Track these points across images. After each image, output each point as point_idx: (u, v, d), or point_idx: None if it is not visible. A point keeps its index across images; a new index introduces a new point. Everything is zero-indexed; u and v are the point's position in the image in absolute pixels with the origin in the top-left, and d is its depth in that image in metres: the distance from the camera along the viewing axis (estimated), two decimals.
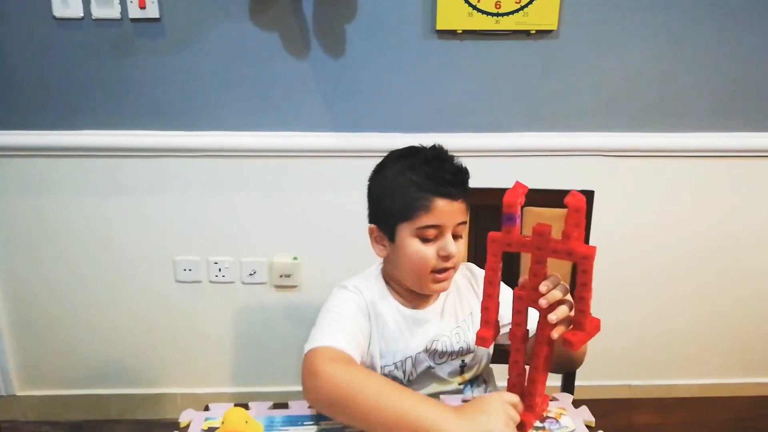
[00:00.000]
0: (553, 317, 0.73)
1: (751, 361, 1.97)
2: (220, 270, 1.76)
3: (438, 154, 0.96)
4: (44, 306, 1.79)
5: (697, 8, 1.58)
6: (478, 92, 1.63)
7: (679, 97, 1.67)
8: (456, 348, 1.02)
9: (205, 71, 1.59)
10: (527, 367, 0.81)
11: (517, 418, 0.77)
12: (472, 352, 1.04)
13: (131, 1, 1.50)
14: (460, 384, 1.04)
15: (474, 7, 1.53)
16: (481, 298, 0.79)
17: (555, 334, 0.74)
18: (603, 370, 1.92)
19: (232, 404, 0.90)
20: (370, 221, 1.01)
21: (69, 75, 1.57)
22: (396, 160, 0.97)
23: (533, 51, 1.60)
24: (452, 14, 1.54)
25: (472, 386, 1.06)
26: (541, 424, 0.88)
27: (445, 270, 0.94)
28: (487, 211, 1.09)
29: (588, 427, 0.89)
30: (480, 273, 1.08)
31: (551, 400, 0.93)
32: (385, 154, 1.01)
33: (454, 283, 1.04)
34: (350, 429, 0.87)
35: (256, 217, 1.72)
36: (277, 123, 1.64)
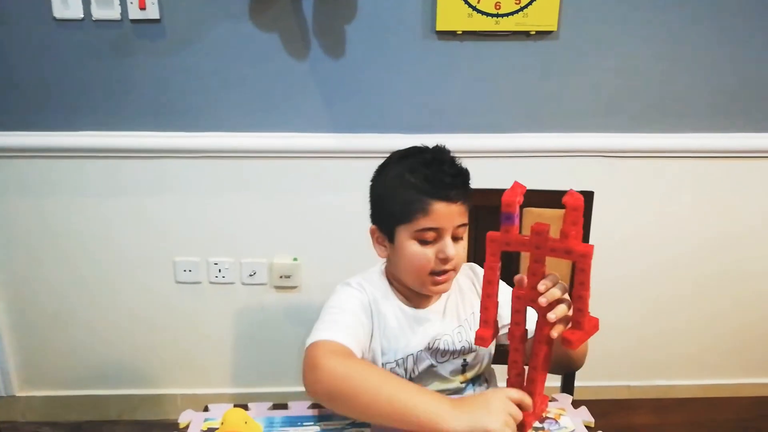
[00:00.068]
0: (551, 316, 0.73)
1: (751, 361, 1.97)
2: (220, 271, 1.76)
3: (438, 155, 0.96)
4: (44, 306, 1.79)
5: (697, 8, 1.59)
6: (478, 93, 1.63)
7: (679, 97, 1.67)
8: (458, 347, 1.02)
9: (205, 72, 1.59)
10: (526, 367, 0.81)
11: (519, 416, 0.76)
12: (474, 351, 1.04)
13: (131, 2, 1.50)
14: (461, 383, 1.04)
15: (474, 8, 1.53)
16: None
17: (554, 333, 0.74)
18: (602, 370, 1.92)
19: (232, 405, 0.90)
20: (372, 222, 1.01)
21: (69, 76, 1.58)
22: (397, 161, 0.97)
23: (533, 52, 1.60)
24: (452, 15, 1.54)
25: (473, 385, 1.06)
26: (540, 425, 0.88)
27: (444, 272, 0.94)
28: (487, 211, 1.09)
29: (587, 427, 0.89)
30: (482, 273, 1.08)
31: (550, 401, 0.93)
32: (385, 155, 1.01)
33: (456, 283, 1.04)
34: (350, 429, 0.87)
35: (256, 218, 1.72)
36: (277, 124, 1.64)
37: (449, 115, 1.65)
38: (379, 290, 1.01)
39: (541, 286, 0.74)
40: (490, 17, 1.54)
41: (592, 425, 0.90)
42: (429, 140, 1.01)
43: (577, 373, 1.21)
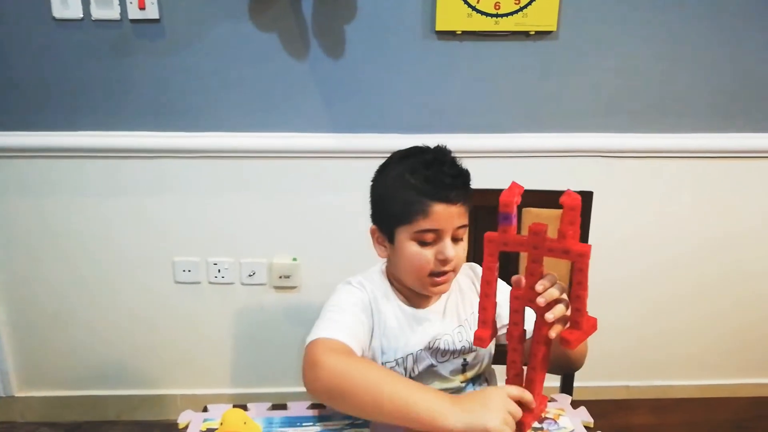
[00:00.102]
0: (549, 316, 0.73)
1: (750, 362, 1.97)
2: (219, 271, 1.76)
3: (438, 156, 0.96)
4: (44, 306, 1.79)
5: (697, 8, 1.59)
6: (478, 93, 1.63)
7: (679, 97, 1.67)
8: (458, 347, 1.02)
9: (205, 72, 1.59)
10: (525, 368, 0.81)
11: (519, 414, 0.76)
12: (474, 351, 1.04)
13: (131, 2, 1.50)
14: (462, 382, 1.04)
15: (473, 8, 1.53)
16: None
17: (552, 333, 0.74)
18: (601, 370, 1.92)
19: (231, 405, 0.90)
20: (373, 222, 1.01)
21: (69, 76, 1.58)
22: (398, 162, 0.97)
23: (532, 52, 1.60)
24: (452, 15, 1.54)
25: (474, 385, 1.06)
26: (539, 425, 0.88)
27: (443, 273, 0.94)
28: (486, 212, 1.09)
29: (586, 427, 0.89)
30: None
31: (549, 401, 0.93)
32: (385, 155, 1.01)
33: (456, 282, 1.04)
34: (349, 430, 0.87)
35: (255, 218, 1.72)
36: (277, 124, 1.64)
37: (449, 115, 1.65)
38: (380, 289, 1.01)
39: (539, 287, 0.74)
40: (489, 17, 1.54)
41: (591, 425, 0.90)
42: (428, 140, 1.01)
43: (576, 374, 1.21)
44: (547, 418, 0.90)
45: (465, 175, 0.96)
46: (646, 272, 1.84)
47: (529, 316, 0.77)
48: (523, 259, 1.11)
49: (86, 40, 1.54)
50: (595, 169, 1.71)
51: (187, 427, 0.88)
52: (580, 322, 0.72)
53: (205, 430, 0.87)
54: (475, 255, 1.24)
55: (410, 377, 1.01)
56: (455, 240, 0.94)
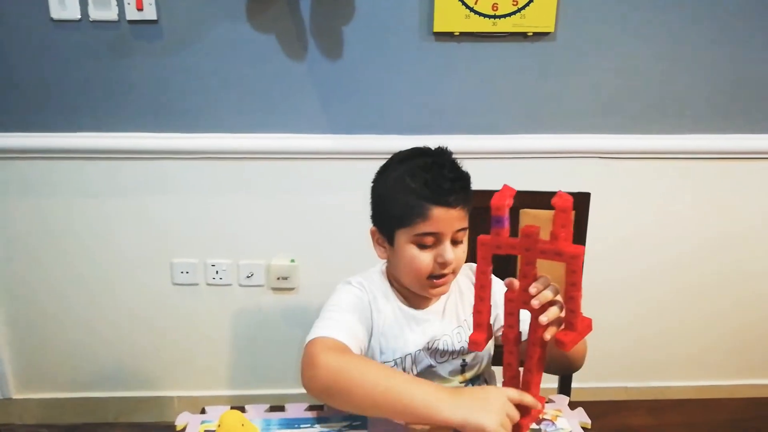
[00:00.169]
0: (543, 318, 0.73)
1: (748, 362, 1.97)
2: (217, 272, 1.75)
3: (439, 159, 0.95)
4: (43, 307, 1.78)
5: (697, 8, 1.59)
6: (476, 94, 1.63)
7: (678, 97, 1.67)
8: (457, 347, 1.02)
9: (203, 73, 1.59)
10: (521, 369, 0.81)
11: (516, 418, 0.76)
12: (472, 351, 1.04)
13: (128, 3, 1.50)
14: (461, 383, 1.04)
15: (471, 9, 1.53)
16: None
17: (547, 335, 0.74)
18: (600, 371, 1.92)
19: (229, 407, 0.90)
20: (373, 223, 1.01)
21: (68, 77, 1.58)
22: (398, 164, 0.97)
23: (530, 53, 1.60)
24: (449, 16, 1.54)
25: (473, 385, 1.06)
26: (537, 426, 0.88)
27: (442, 276, 0.94)
28: (485, 212, 1.09)
29: (584, 428, 0.89)
30: None
31: (547, 402, 0.93)
32: (383, 156, 1.01)
33: (455, 283, 1.04)
34: (347, 431, 0.87)
35: (253, 220, 1.72)
36: (275, 125, 1.64)
37: (447, 116, 1.65)
38: (379, 290, 1.01)
39: (532, 289, 0.74)
40: (487, 18, 1.54)
41: (589, 426, 0.90)
42: (427, 141, 1.01)
43: (574, 374, 1.20)
44: (544, 419, 0.90)
45: (465, 179, 0.96)
46: (644, 273, 1.84)
47: (524, 318, 0.77)
48: (521, 260, 1.11)
49: (84, 41, 1.54)
50: (594, 169, 1.71)
51: (184, 429, 0.88)
52: (574, 324, 0.72)
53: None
54: (475, 257, 1.24)
55: None
56: (455, 243, 0.94)
